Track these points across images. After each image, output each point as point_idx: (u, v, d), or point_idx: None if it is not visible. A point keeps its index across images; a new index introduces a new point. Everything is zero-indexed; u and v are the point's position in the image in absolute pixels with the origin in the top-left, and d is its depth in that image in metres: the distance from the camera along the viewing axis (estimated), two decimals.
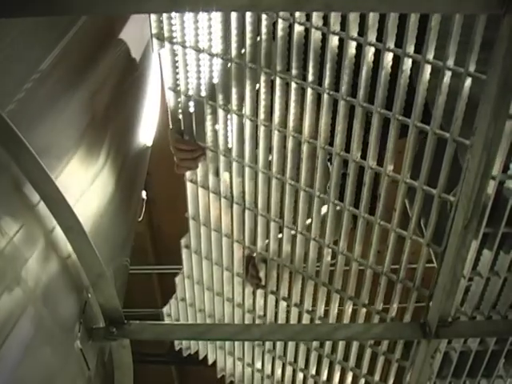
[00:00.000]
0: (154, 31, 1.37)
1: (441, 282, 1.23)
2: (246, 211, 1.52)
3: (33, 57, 1.26)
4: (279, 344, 1.77)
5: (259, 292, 1.70)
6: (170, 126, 1.49)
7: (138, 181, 1.91)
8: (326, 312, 1.60)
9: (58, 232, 1.19)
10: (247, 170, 1.44)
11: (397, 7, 0.93)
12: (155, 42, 1.38)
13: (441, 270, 1.22)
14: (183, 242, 1.70)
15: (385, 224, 1.32)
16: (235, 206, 1.53)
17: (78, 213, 1.19)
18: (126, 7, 0.94)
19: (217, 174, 1.50)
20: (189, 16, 1.30)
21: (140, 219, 2.12)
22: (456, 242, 1.15)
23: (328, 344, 1.64)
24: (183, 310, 1.88)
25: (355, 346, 1.58)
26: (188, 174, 1.54)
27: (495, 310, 1.35)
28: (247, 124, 1.37)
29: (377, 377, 1.61)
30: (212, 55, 1.32)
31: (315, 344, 1.67)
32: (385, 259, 1.36)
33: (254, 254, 1.62)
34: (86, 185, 1.41)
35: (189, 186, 1.56)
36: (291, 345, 1.73)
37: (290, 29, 1.21)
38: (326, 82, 1.21)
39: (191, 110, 1.45)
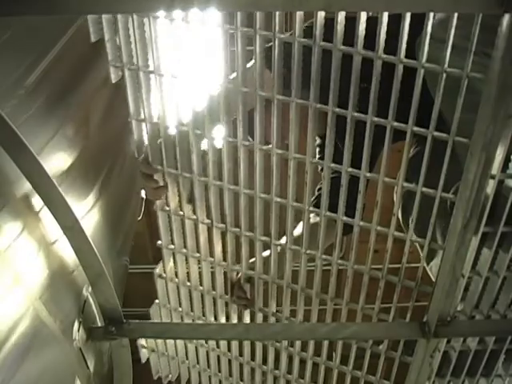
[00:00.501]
0: (111, 57, 1.22)
1: (440, 281, 1.23)
2: (228, 233, 1.45)
3: (31, 57, 1.26)
4: (270, 359, 1.73)
5: (246, 311, 1.65)
6: (136, 156, 1.40)
7: (137, 180, 1.91)
8: (322, 317, 1.58)
9: (58, 232, 1.19)
10: (227, 192, 1.37)
11: (395, 6, 0.93)
12: (112, 69, 1.23)
13: (440, 270, 1.22)
14: (157, 271, 1.59)
15: (382, 229, 1.30)
16: (215, 230, 1.46)
17: (77, 213, 1.19)
18: (126, 7, 0.94)
19: (190, 200, 1.43)
20: (150, 39, 1.16)
21: (139, 218, 2.13)
22: (455, 241, 1.15)
23: (325, 350, 1.63)
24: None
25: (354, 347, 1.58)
26: (159, 202, 1.45)
27: (494, 309, 1.35)
28: (225, 145, 1.30)
29: (377, 376, 1.61)
30: (176, 78, 1.21)
31: (311, 353, 1.65)
32: (384, 261, 1.36)
33: (239, 275, 1.57)
34: (85, 185, 1.41)
35: (160, 214, 1.47)
36: (284, 357, 1.70)
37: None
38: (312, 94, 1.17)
39: (159, 137, 1.32)
